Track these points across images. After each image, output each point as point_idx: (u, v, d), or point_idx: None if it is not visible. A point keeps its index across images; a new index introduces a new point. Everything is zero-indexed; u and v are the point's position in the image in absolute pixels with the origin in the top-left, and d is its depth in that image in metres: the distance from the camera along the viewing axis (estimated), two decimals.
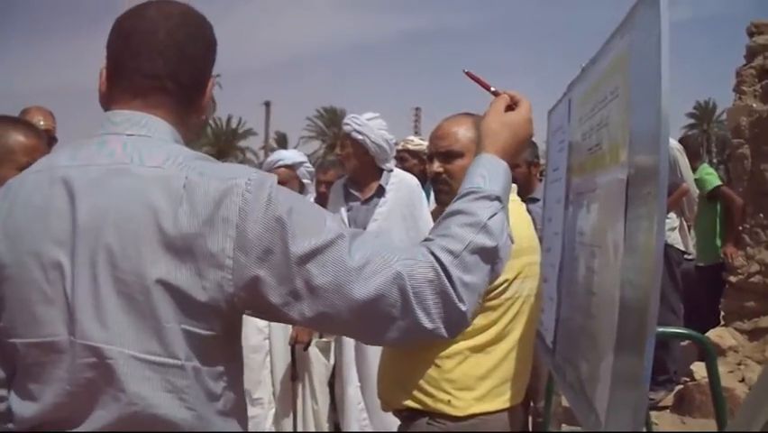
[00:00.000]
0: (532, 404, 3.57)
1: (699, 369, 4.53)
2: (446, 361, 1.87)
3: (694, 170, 5.56)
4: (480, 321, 1.87)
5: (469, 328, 1.85)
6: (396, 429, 2.03)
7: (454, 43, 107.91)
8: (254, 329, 3.40)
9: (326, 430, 3.61)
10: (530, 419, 3.65)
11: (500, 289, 1.87)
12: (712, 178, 5.54)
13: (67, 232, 1.05)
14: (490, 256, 1.15)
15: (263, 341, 3.45)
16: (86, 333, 1.02)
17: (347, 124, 3.47)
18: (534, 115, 1.39)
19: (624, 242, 1.35)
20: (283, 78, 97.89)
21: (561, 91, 2.31)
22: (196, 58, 1.20)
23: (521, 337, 1.94)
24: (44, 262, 1.05)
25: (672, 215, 5.26)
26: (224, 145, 48.37)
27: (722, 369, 3.96)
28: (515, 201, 1.99)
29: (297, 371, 3.53)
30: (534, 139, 3.65)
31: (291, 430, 3.52)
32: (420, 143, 4.56)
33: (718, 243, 5.38)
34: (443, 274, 1.08)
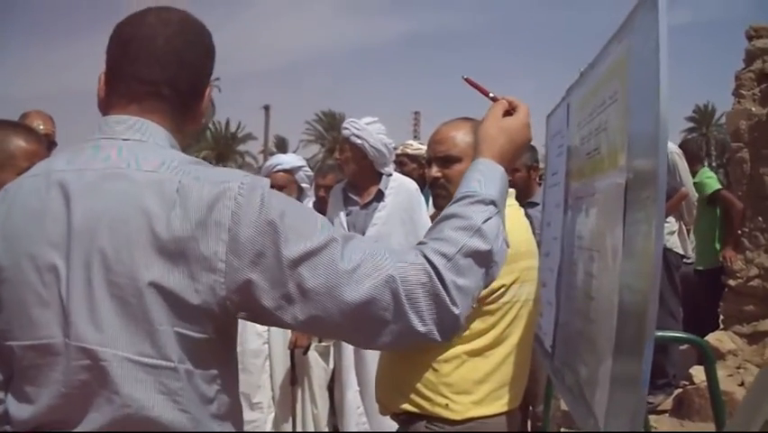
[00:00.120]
0: (531, 408, 3.57)
1: (698, 373, 4.52)
2: (444, 365, 1.87)
3: (694, 173, 5.56)
4: (477, 325, 1.87)
5: (466, 332, 1.87)
6: None
7: (454, 47, 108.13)
8: (253, 334, 3.40)
9: None
10: (529, 423, 3.65)
11: (498, 293, 1.87)
12: (712, 181, 5.54)
13: (62, 235, 1.06)
14: (484, 260, 1.15)
15: (262, 345, 3.45)
16: (81, 335, 1.03)
17: (346, 128, 3.47)
18: (533, 119, 1.39)
19: (622, 246, 1.35)
20: (282, 83, 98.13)
21: (559, 95, 2.31)
22: (193, 65, 1.21)
23: (519, 341, 1.94)
24: (40, 265, 1.06)
25: (671, 219, 5.26)
26: (224, 149, 48.40)
27: (721, 373, 3.96)
28: (512, 206, 1.99)
29: (296, 375, 3.53)
30: (533, 143, 3.67)
31: None
32: (419, 148, 4.56)
33: (718, 246, 5.38)
34: (435, 278, 1.08)
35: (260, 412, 3.42)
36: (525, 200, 3.46)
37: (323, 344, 3.57)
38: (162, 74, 1.16)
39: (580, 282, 1.76)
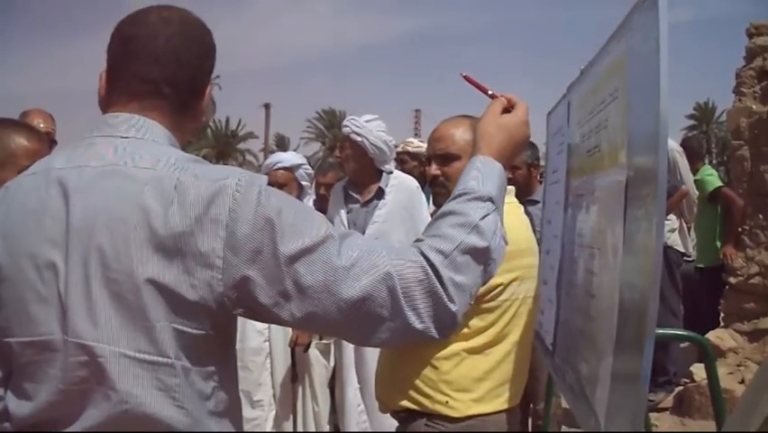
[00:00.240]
0: (531, 406, 3.57)
1: (698, 370, 4.52)
2: (444, 362, 1.87)
3: (695, 171, 5.56)
4: (477, 323, 1.87)
5: (466, 330, 1.87)
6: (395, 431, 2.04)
7: (454, 45, 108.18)
8: (254, 331, 3.40)
9: (327, 432, 3.61)
10: (530, 420, 3.65)
11: (497, 290, 1.87)
12: (713, 179, 5.53)
13: (61, 233, 1.06)
14: (482, 256, 1.15)
15: (263, 343, 3.45)
16: (79, 331, 1.03)
17: (346, 125, 3.47)
18: (532, 117, 1.39)
19: (623, 244, 1.35)
20: (283, 80, 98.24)
21: (560, 93, 2.31)
22: (193, 63, 1.21)
23: (519, 339, 1.94)
24: (39, 263, 1.06)
25: (672, 216, 5.26)
26: (224, 147, 48.35)
27: (722, 370, 3.96)
28: (512, 203, 1.99)
29: (297, 373, 3.53)
30: (534, 141, 3.67)
31: (291, 432, 3.53)
32: (420, 145, 4.55)
33: (718, 244, 5.37)
34: (432, 274, 1.08)
35: (261, 410, 3.42)
36: (525, 198, 3.45)
37: (323, 341, 3.57)
38: (162, 72, 1.17)
39: (581, 280, 1.76)
